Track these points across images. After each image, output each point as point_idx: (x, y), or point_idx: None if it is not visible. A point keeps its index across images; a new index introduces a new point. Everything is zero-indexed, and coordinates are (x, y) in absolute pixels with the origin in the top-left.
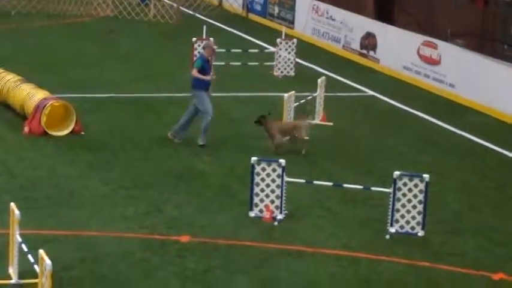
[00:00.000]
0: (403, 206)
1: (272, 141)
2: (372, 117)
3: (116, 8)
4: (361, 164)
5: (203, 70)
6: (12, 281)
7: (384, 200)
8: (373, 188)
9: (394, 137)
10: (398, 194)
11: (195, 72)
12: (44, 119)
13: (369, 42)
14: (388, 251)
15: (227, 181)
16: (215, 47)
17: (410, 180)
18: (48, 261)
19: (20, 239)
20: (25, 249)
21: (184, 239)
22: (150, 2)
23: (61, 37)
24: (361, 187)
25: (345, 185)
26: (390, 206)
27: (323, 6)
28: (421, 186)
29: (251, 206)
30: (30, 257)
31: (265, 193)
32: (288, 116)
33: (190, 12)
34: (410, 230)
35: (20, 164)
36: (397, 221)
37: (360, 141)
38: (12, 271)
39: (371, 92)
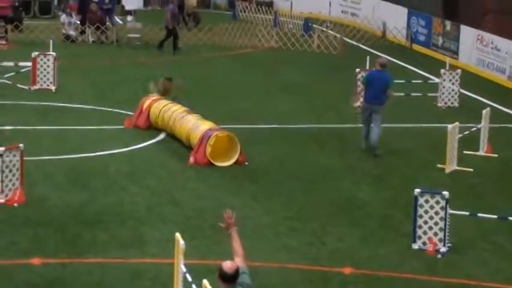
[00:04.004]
0: None
1: None
2: None
3: (279, 39)
4: None
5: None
6: None
7: None
8: None
9: None
10: None
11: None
12: (208, 149)
13: None
14: None
15: (389, 212)
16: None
17: None
18: None
19: (184, 269)
20: (189, 279)
21: (347, 270)
22: (313, 33)
23: (226, 68)
24: None
25: (511, 218)
26: None
27: (488, 36)
28: None
29: (414, 238)
30: (194, 287)
31: (428, 225)
32: (453, 148)
33: (354, 43)
34: None
35: (185, 194)
36: None
37: None
38: None
39: None
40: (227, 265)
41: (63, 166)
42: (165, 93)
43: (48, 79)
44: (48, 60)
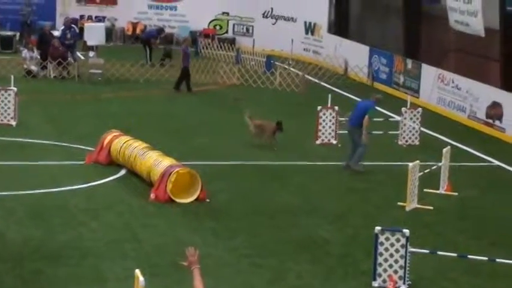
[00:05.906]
0: None
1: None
2: (497, 187)
3: (241, 76)
4: (486, 235)
5: None
6: None
7: (509, 271)
8: (498, 260)
9: None
10: None
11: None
12: (169, 186)
13: (494, 111)
14: None
15: (350, 250)
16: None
17: None
18: None
19: None
20: None
21: None
22: (275, 71)
23: (188, 105)
24: (486, 258)
25: (470, 256)
26: None
27: (449, 75)
28: None
29: (374, 276)
30: None
31: (388, 263)
32: (413, 186)
33: (316, 80)
34: None
35: (145, 230)
36: None
37: (485, 211)
38: None
39: (497, 162)
40: None
41: (23, 202)
42: (262, 132)
43: (8, 114)
44: (9, 95)
